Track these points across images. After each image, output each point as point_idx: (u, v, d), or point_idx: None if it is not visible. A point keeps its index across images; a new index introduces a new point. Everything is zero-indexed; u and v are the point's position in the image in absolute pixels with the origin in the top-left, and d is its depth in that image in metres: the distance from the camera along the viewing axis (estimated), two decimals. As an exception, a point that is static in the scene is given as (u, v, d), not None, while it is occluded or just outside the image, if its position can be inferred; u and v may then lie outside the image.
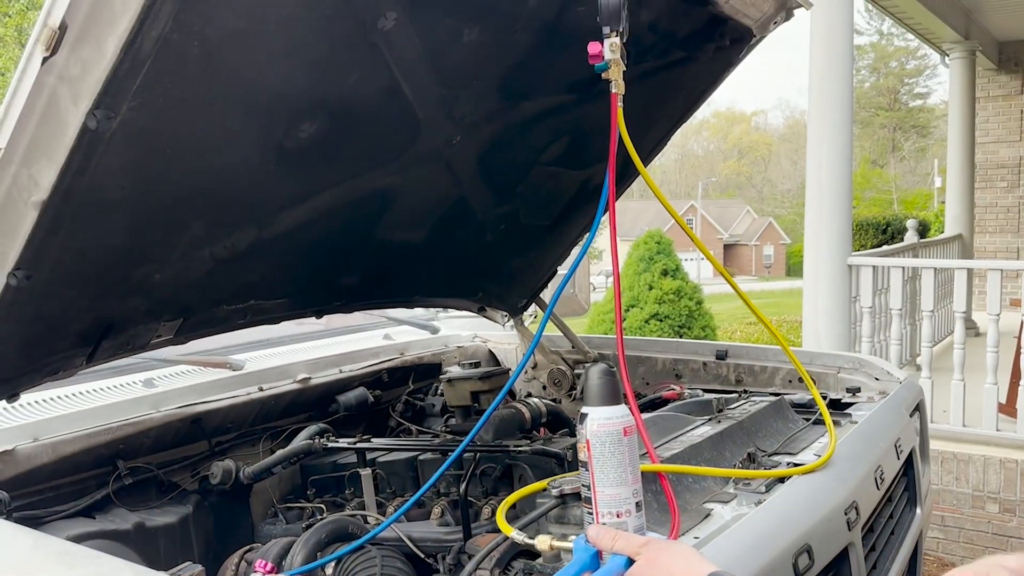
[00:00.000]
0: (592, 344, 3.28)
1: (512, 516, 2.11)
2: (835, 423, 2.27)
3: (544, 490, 1.57)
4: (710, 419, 2.07)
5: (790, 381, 2.80)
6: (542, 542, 1.34)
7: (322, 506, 2.37)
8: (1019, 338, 5.70)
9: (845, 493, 1.73)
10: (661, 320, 6.40)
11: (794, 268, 34.78)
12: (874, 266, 5.61)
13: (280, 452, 2.35)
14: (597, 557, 1.24)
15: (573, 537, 1.35)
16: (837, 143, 5.48)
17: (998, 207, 10.11)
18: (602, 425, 1.26)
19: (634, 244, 6.93)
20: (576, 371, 3.27)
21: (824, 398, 2.36)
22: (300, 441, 2.42)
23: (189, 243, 1.84)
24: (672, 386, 2.81)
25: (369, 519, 2.18)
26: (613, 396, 1.28)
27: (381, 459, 2.46)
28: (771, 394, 2.42)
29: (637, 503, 1.26)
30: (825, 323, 5.58)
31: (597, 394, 1.28)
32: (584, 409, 1.28)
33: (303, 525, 2.04)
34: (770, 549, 1.49)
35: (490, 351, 3.52)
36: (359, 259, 2.44)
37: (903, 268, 5.57)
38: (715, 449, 1.89)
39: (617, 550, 1.21)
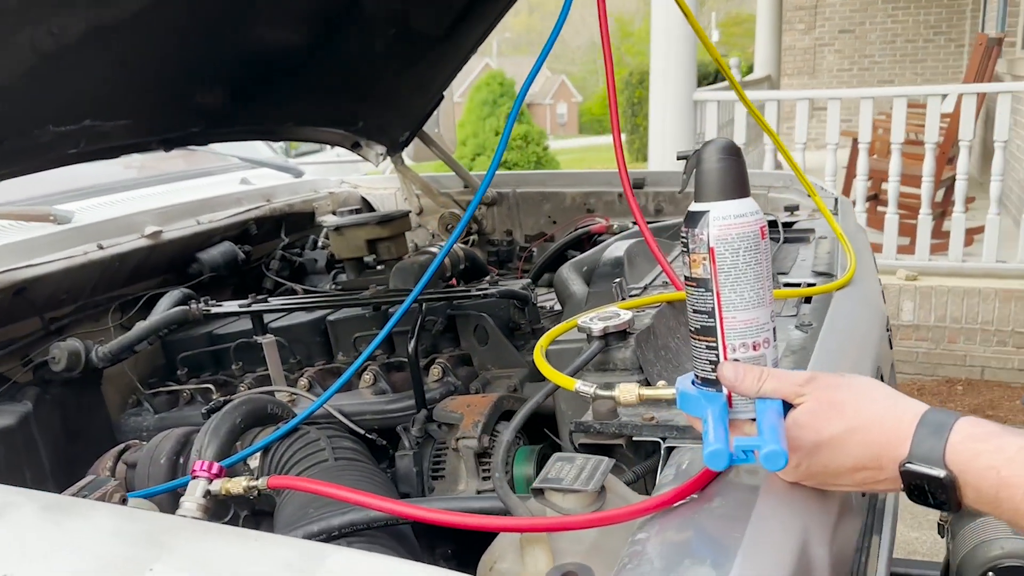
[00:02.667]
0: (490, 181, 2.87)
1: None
2: (800, 240, 2.05)
3: (576, 330, 1.20)
4: (693, 242, 1.76)
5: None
6: (627, 392, 0.98)
7: (208, 386, 1.87)
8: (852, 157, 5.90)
9: (881, 309, 1.50)
10: (510, 168, 6.03)
11: (585, 126, 35.47)
12: (719, 101, 5.53)
13: (145, 324, 1.80)
14: (727, 404, 0.90)
15: (662, 383, 1.00)
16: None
17: (796, 49, 10.49)
18: (733, 225, 0.89)
19: (474, 87, 6.40)
20: (475, 213, 2.86)
21: (771, 222, 2.13)
22: (167, 309, 1.88)
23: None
24: (597, 219, 2.48)
25: (281, 395, 1.73)
26: (741, 185, 0.91)
27: (276, 324, 1.98)
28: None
29: (773, 329, 0.92)
30: (672, 159, 5.48)
31: (720, 182, 0.90)
32: (698, 206, 0.90)
33: (203, 411, 1.56)
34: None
35: (363, 198, 3.02)
36: (223, 66, 1.85)
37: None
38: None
39: (767, 393, 0.87)
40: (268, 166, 2.72)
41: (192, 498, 1.05)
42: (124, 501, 1.00)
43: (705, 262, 0.90)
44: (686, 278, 0.93)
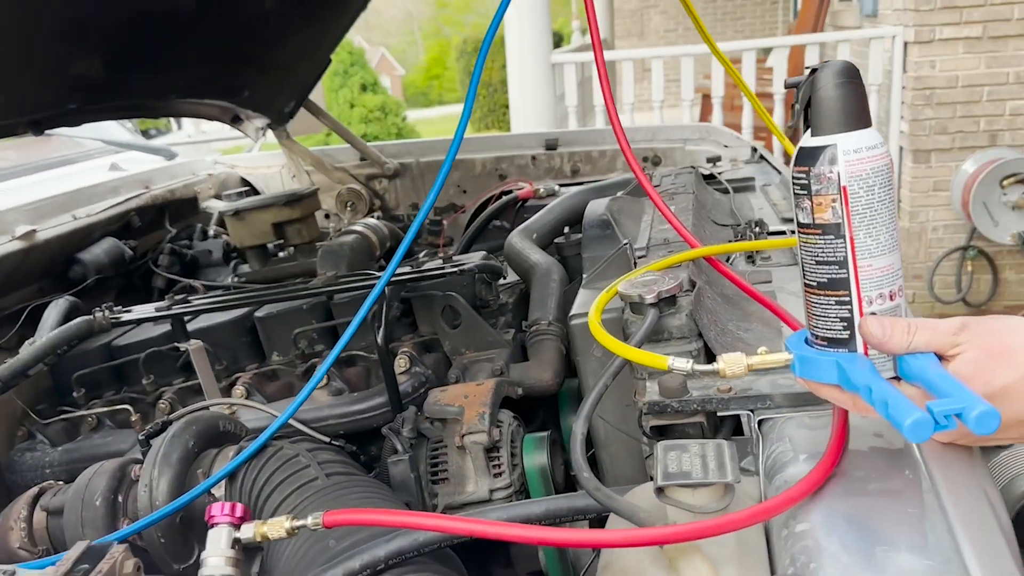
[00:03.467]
0: (387, 152, 2.66)
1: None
2: (747, 190, 2.00)
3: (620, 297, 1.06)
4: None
5: (644, 158, 2.49)
6: (733, 363, 0.85)
7: (126, 407, 1.58)
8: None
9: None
10: (368, 141, 5.70)
11: (412, 99, 34.90)
12: (576, 63, 5.49)
13: (42, 342, 1.48)
14: (875, 368, 0.79)
15: (763, 349, 0.88)
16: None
17: (624, 12, 10.70)
18: (866, 159, 0.77)
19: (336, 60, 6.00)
20: (375, 187, 2.64)
21: (708, 175, 2.07)
22: (60, 323, 1.56)
23: None
24: (520, 183, 2.34)
25: (229, 409, 1.48)
26: (866, 112, 0.79)
27: (193, 327, 1.71)
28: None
29: (903, 276, 0.82)
30: (535, 123, 5.41)
31: (845, 110, 0.78)
32: (818, 140, 0.78)
33: (140, 436, 1.29)
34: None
35: (242, 179, 2.71)
36: (102, 32, 1.54)
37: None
38: (700, 226, 1.50)
39: (919, 346, 0.77)
40: (137, 148, 2.36)
41: (218, 550, 0.83)
42: (139, 570, 0.76)
43: (835, 204, 0.78)
44: (803, 226, 0.81)
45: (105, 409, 1.58)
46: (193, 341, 1.53)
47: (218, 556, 0.82)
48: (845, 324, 0.80)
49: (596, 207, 1.51)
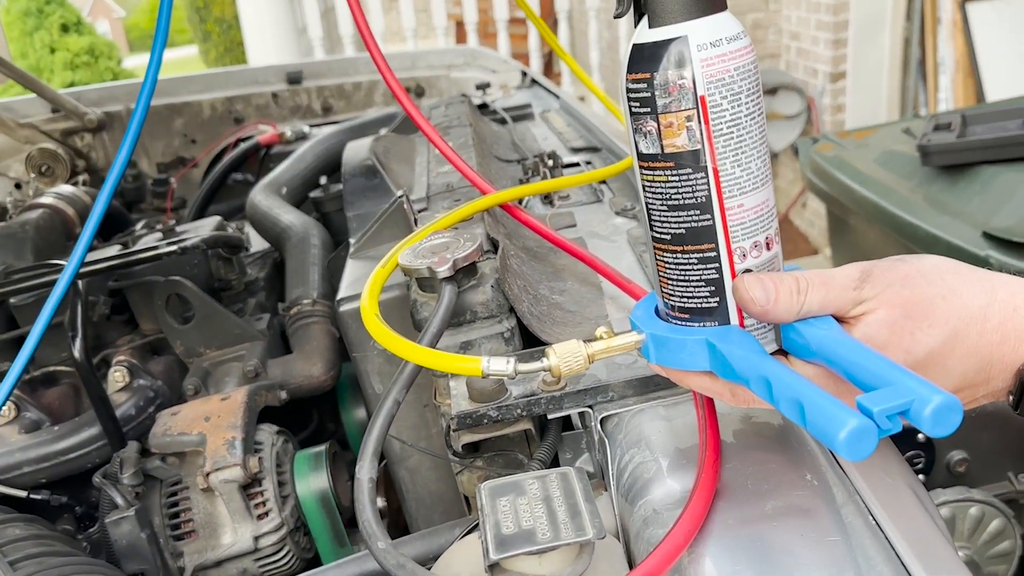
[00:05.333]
0: (85, 100, 2.15)
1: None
2: (527, 118, 1.77)
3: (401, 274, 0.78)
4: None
5: (407, 89, 2.18)
6: (569, 355, 0.61)
7: None
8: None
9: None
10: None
11: (136, 43, 31.63)
12: (316, -9, 5.00)
13: None
14: (755, 340, 0.58)
15: (603, 330, 0.64)
16: None
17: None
18: (728, 56, 0.54)
19: (5, -5, 4.92)
20: (76, 144, 2.14)
21: (482, 104, 1.82)
22: None
23: None
24: (261, 126, 1.96)
25: None
26: (719, -7, 0.55)
27: None
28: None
29: (776, 215, 0.61)
30: (278, 60, 4.90)
31: (693, -11, 0.54)
32: (660, 31, 0.54)
33: None
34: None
35: None
36: None
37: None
38: (484, 165, 1.24)
39: (812, 309, 0.56)
40: None
41: None
42: None
43: (691, 123, 0.55)
44: (647, 158, 0.57)
45: None
46: None
47: None
48: (713, 288, 0.58)
49: (356, 150, 1.21)
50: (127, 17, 35.07)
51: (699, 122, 0.54)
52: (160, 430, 1.00)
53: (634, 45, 0.56)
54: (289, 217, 1.36)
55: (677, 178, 0.56)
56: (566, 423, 0.81)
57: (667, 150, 0.56)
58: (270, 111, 2.15)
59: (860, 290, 0.56)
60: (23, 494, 1.06)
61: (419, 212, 1.00)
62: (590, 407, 0.71)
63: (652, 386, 0.71)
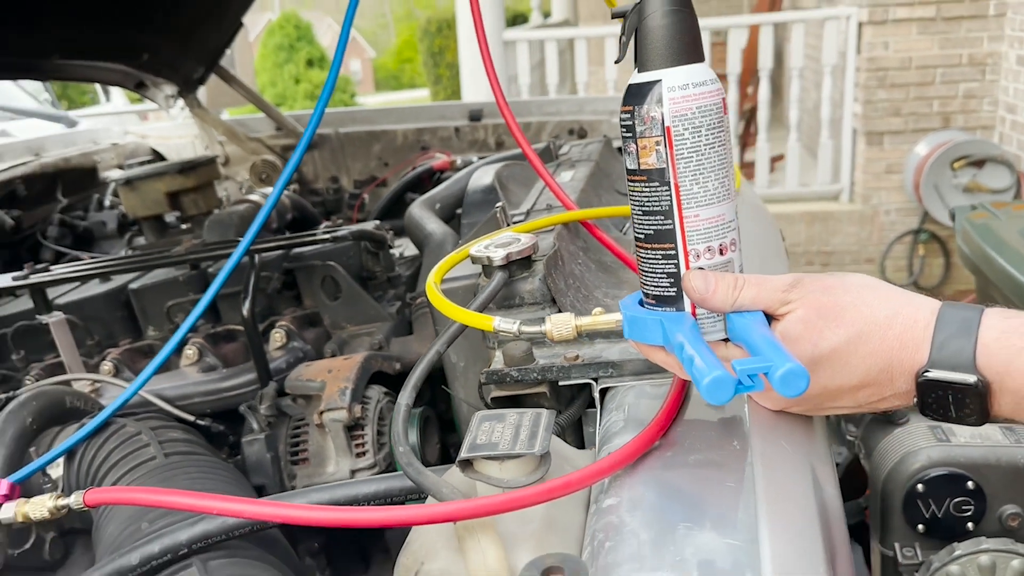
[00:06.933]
0: (304, 122, 2.55)
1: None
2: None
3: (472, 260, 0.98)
4: (561, 164, 1.58)
5: (558, 136, 2.41)
6: (561, 324, 0.78)
7: (-18, 386, 1.48)
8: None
9: (770, 215, 1.39)
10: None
11: (382, 82, 34.58)
12: (529, 40, 5.40)
13: None
14: (696, 325, 0.72)
15: (598, 310, 0.80)
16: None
17: (591, -5, 10.57)
18: (692, 96, 0.70)
19: (266, 31, 5.79)
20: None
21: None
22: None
23: None
24: (437, 154, 2.25)
25: (81, 386, 1.38)
26: (697, 45, 0.71)
27: (63, 300, 1.60)
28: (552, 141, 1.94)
29: (738, 230, 0.75)
30: (488, 99, 5.31)
31: (671, 42, 0.70)
32: (644, 76, 0.71)
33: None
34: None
35: (153, 149, 2.59)
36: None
37: (557, 40, 5.44)
38: (595, 194, 1.42)
39: (745, 304, 0.69)
40: (33, 115, 2.24)
41: (-28, 535, 0.74)
42: None
43: (659, 147, 0.70)
44: (631, 172, 0.73)
45: (-44, 388, 1.48)
46: (55, 313, 1.43)
47: (-28, 538, 0.73)
48: (672, 280, 0.73)
49: (485, 172, 1.43)
50: (377, 57, 38.57)
51: (665, 147, 0.70)
52: (294, 376, 1.25)
53: (628, 84, 0.72)
54: (433, 226, 1.60)
55: (649, 189, 0.72)
56: (592, 402, 0.96)
57: (642, 167, 0.72)
58: (452, 143, 2.44)
59: (788, 293, 0.69)
60: (191, 419, 1.36)
61: (516, 221, 1.20)
62: (595, 379, 0.86)
63: (653, 369, 0.85)
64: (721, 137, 0.71)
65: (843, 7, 4.81)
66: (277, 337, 1.44)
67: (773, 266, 1.19)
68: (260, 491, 1.21)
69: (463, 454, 0.70)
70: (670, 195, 0.71)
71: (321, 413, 1.18)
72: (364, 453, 1.20)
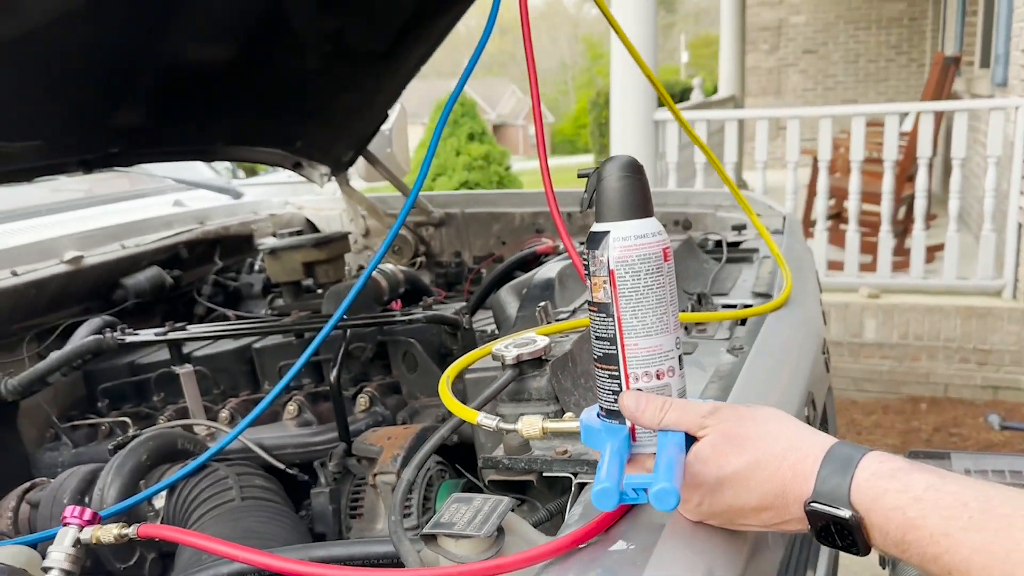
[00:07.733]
0: (435, 202, 2.81)
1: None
2: (744, 260, 2.00)
3: (489, 358, 1.13)
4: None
5: (675, 222, 2.52)
6: (530, 425, 0.91)
7: (125, 420, 1.77)
8: (811, 186, 5.92)
9: (818, 331, 1.44)
10: (471, 188, 5.95)
11: (558, 146, 35.61)
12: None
13: (58, 354, 1.70)
14: (629, 438, 0.83)
15: (568, 416, 0.93)
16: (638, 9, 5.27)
17: (761, 69, 10.57)
18: (634, 246, 0.82)
19: (435, 107, 6.35)
20: (422, 234, 2.80)
21: (716, 242, 2.08)
22: (84, 338, 1.78)
23: None
24: (543, 239, 2.42)
25: (199, 429, 1.63)
26: (643, 204, 0.84)
27: (199, 353, 1.89)
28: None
29: (680, 358, 0.86)
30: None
31: (620, 201, 0.84)
32: (600, 226, 0.84)
33: (109, 447, 1.47)
34: (781, 403, 1.16)
35: (307, 220, 2.94)
36: (142, 84, 1.77)
37: (707, 121, 5.53)
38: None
39: (669, 424, 0.80)
40: (204, 187, 2.63)
41: (61, 548, 0.96)
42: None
43: (606, 285, 0.83)
44: (588, 303, 0.87)
45: (111, 420, 1.78)
46: (186, 366, 1.70)
47: (60, 552, 0.95)
48: (616, 397, 0.85)
49: (548, 270, 1.58)
50: (555, 122, 39.89)
51: (610, 286, 0.83)
52: (361, 439, 1.44)
53: (589, 231, 0.86)
54: (512, 310, 1.76)
55: (599, 319, 0.85)
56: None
57: (595, 300, 0.85)
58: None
59: (706, 419, 0.79)
60: (282, 467, 1.57)
61: (560, 319, 1.34)
62: (574, 473, 0.98)
63: (623, 472, 0.96)
64: (660, 280, 0.83)
65: (1009, 98, 4.61)
66: (362, 401, 1.64)
67: (790, 380, 1.26)
68: (321, 538, 1.40)
69: (426, 529, 0.85)
70: (614, 326, 0.84)
71: (375, 475, 1.36)
72: (409, 515, 1.36)
